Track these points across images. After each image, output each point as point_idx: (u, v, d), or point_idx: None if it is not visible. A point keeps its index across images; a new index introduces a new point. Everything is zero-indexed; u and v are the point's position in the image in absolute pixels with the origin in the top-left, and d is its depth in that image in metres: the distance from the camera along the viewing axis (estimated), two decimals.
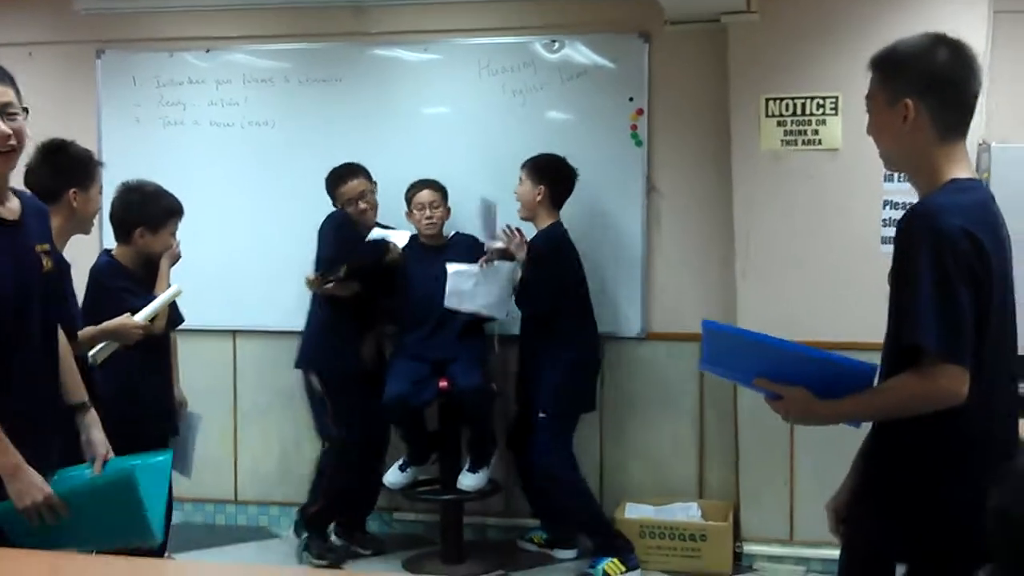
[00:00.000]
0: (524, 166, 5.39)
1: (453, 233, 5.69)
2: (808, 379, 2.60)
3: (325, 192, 5.58)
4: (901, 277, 2.51)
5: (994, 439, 2.58)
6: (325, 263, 5.40)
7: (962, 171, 2.60)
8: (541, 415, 5.34)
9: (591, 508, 5.44)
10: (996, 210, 2.64)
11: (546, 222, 5.39)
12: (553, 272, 5.29)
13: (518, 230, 5.38)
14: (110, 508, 3.07)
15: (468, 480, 5.42)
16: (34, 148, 3.90)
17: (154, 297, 4.31)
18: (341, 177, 5.54)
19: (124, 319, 4.05)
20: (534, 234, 5.40)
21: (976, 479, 2.47)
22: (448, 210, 5.64)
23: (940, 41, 2.63)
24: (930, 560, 2.59)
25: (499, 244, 5.36)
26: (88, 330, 3.89)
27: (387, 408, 5.37)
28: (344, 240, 5.45)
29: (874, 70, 2.69)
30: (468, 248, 5.56)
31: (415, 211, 5.60)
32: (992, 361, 2.52)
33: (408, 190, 5.64)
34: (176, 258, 4.57)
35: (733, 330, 3.02)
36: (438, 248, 5.61)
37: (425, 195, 5.58)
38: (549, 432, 5.34)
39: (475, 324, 5.59)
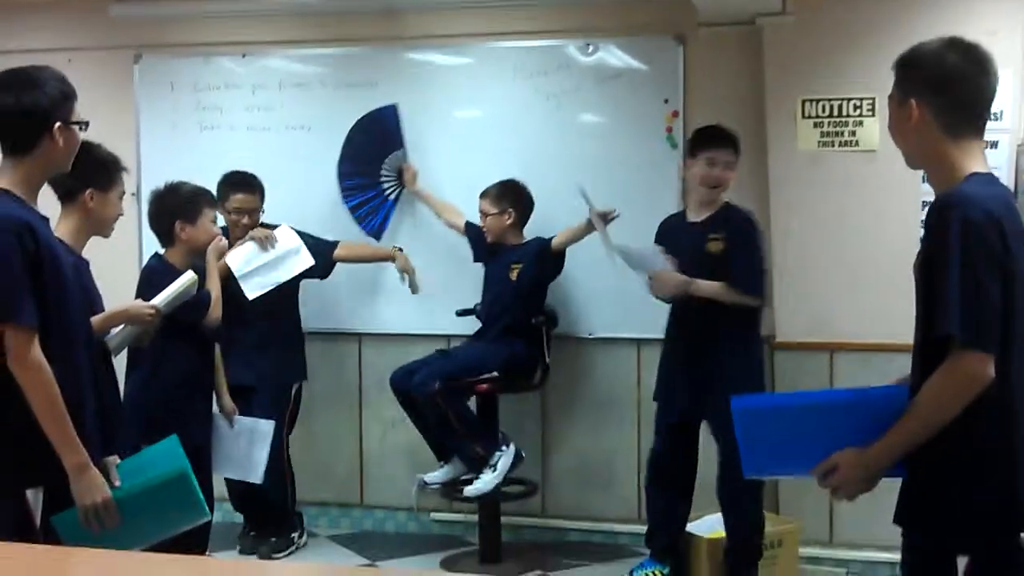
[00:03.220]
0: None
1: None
2: (852, 431, 2.63)
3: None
4: (931, 266, 2.55)
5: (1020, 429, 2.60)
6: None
7: (980, 166, 2.65)
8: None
9: None
10: (1015, 206, 2.68)
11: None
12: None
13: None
14: (165, 502, 3.16)
15: (470, 488, 5.33)
16: None
17: (205, 291, 4.41)
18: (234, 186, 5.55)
19: (136, 302, 4.12)
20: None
21: (1008, 470, 2.56)
22: (509, 213, 5.53)
23: (952, 44, 2.70)
24: (988, 544, 2.63)
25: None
26: (99, 316, 3.90)
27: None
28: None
29: (894, 71, 2.78)
30: (528, 246, 5.55)
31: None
32: (1018, 356, 2.55)
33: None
34: (222, 251, 4.65)
35: (765, 403, 2.96)
36: (503, 248, 5.59)
37: (481, 204, 5.58)
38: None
39: (515, 324, 5.53)
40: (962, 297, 2.46)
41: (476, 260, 5.74)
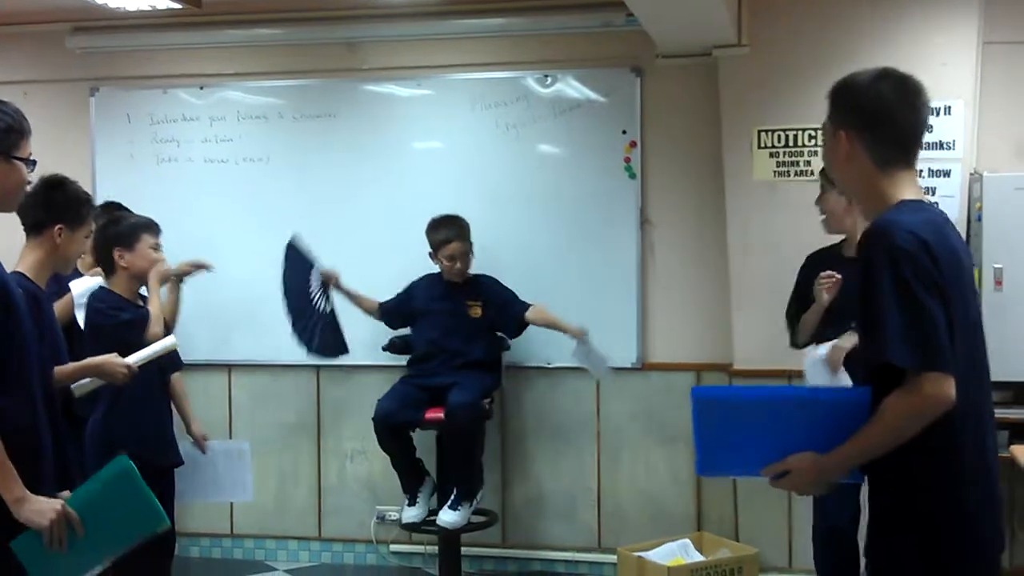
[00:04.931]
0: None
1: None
2: (810, 431, 2.59)
3: (312, 226, 5.64)
4: (865, 296, 2.51)
5: (973, 447, 2.57)
6: None
7: (909, 194, 2.62)
8: None
9: None
10: (950, 230, 2.65)
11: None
12: None
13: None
14: (117, 506, 3.09)
15: (448, 516, 5.25)
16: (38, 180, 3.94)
17: (144, 309, 4.40)
18: None
19: (110, 357, 3.98)
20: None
21: (962, 488, 2.53)
22: (471, 245, 5.48)
23: (884, 76, 2.65)
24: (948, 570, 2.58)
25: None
26: (72, 365, 3.81)
27: (374, 423, 5.33)
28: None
29: (827, 99, 2.74)
30: (489, 288, 5.50)
31: (443, 260, 5.44)
32: (966, 376, 2.50)
33: (433, 231, 5.46)
34: (164, 275, 4.61)
35: (725, 393, 2.93)
36: (458, 285, 5.51)
37: (455, 248, 5.41)
38: None
39: (486, 358, 5.50)
40: (905, 322, 2.42)
41: (394, 328, 5.69)
